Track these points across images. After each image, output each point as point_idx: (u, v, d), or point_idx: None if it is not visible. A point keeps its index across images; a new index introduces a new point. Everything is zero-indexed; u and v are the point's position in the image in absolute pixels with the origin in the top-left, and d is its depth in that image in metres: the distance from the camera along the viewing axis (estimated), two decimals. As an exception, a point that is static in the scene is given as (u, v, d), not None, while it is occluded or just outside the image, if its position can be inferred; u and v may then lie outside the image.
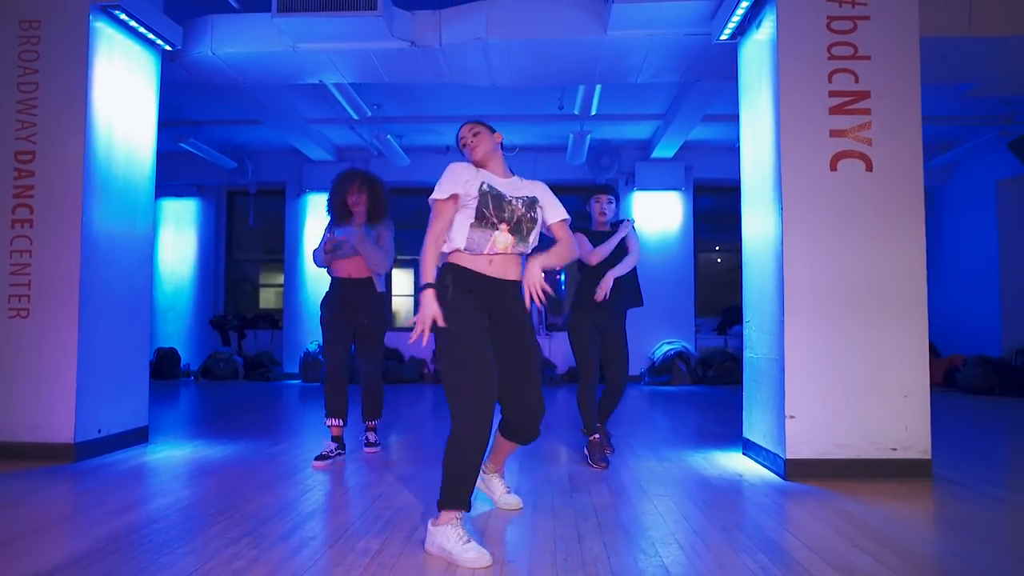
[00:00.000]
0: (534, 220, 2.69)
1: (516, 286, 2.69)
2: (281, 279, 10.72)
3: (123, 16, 4.18)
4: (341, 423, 4.11)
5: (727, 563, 2.32)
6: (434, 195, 2.65)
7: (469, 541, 2.31)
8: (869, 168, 3.69)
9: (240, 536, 2.58)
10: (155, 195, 4.75)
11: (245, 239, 10.87)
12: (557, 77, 5.39)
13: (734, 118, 7.83)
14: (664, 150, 8.94)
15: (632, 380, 9.45)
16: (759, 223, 4.07)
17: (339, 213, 4.27)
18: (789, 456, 3.59)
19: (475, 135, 2.79)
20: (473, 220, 2.60)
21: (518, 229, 2.63)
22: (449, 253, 2.65)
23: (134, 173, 4.49)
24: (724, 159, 9.41)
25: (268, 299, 11.01)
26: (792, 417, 3.61)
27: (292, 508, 3.01)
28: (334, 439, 4.09)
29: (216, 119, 8.07)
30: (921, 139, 3.69)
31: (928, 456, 3.59)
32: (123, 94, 4.37)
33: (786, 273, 3.67)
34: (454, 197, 2.63)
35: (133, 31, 4.38)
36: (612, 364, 4.18)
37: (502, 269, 2.64)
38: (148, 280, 4.66)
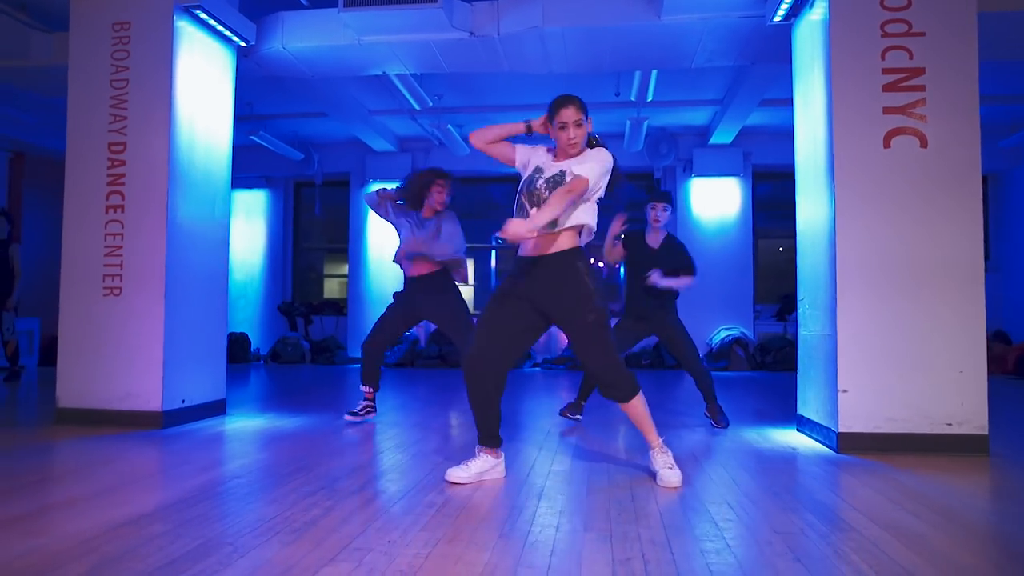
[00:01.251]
0: None
1: (554, 259, 2.85)
2: (344, 269, 11.11)
3: (203, 15, 4.47)
4: (371, 389, 4.65)
5: (774, 520, 2.43)
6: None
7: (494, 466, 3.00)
8: (924, 145, 3.68)
9: (315, 490, 2.81)
10: (229, 175, 5.06)
11: (311, 228, 11.28)
12: (612, 63, 5.49)
13: (791, 103, 7.87)
14: (722, 136, 8.90)
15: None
16: (813, 202, 4.10)
17: (413, 200, 4.54)
18: (841, 430, 3.64)
19: (579, 126, 2.87)
20: (515, 206, 2.92)
21: None
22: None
23: (213, 163, 4.81)
24: (783, 145, 9.21)
25: (332, 289, 11.41)
26: (845, 391, 3.65)
27: (362, 469, 3.23)
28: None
29: (284, 112, 8.43)
30: (978, 115, 3.67)
31: (985, 432, 3.58)
32: (203, 89, 4.68)
33: (839, 249, 3.70)
34: (514, 149, 3.02)
35: (212, 29, 4.68)
36: (681, 359, 4.53)
37: (537, 247, 2.88)
38: (225, 264, 4.98)
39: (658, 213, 4.46)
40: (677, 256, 4.48)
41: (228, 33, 4.75)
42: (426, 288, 4.53)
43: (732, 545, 2.16)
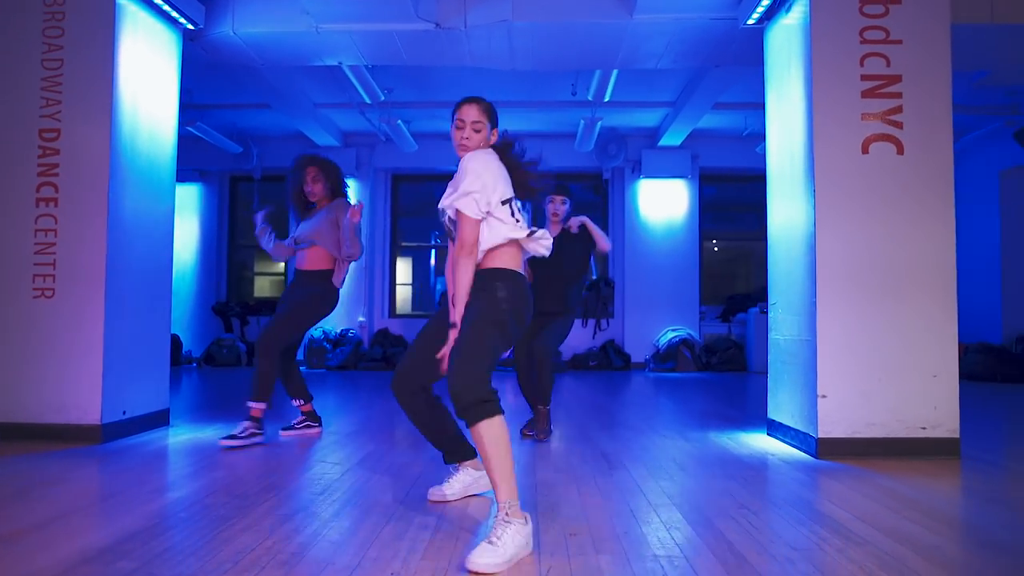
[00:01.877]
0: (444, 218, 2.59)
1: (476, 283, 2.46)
2: (279, 267, 10.67)
3: (148, -7, 4.13)
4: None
5: (787, 535, 2.35)
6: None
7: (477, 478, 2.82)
8: (900, 151, 3.72)
9: (291, 514, 2.58)
10: (174, 165, 4.71)
11: (248, 225, 10.79)
12: (578, 61, 5.39)
13: (745, 106, 7.99)
14: (672, 138, 8.95)
15: (637, 367, 9.53)
16: (787, 206, 4.09)
17: (301, 207, 4.31)
18: (821, 435, 3.63)
19: (476, 131, 2.55)
20: None
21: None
22: None
23: (157, 153, 4.45)
24: (730, 147, 9.44)
25: (263, 287, 10.96)
26: (824, 397, 3.65)
27: (334, 488, 3.00)
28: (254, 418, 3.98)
29: (224, 103, 7.99)
30: (951, 123, 3.74)
31: (957, 435, 3.64)
32: (146, 73, 4.32)
33: (818, 255, 3.69)
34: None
35: (157, 9, 4.33)
36: (542, 351, 4.07)
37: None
38: (170, 261, 4.63)
39: (556, 206, 4.24)
40: (580, 242, 4.22)
41: (175, 14, 4.40)
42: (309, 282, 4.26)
43: (754, 562, 2.06)
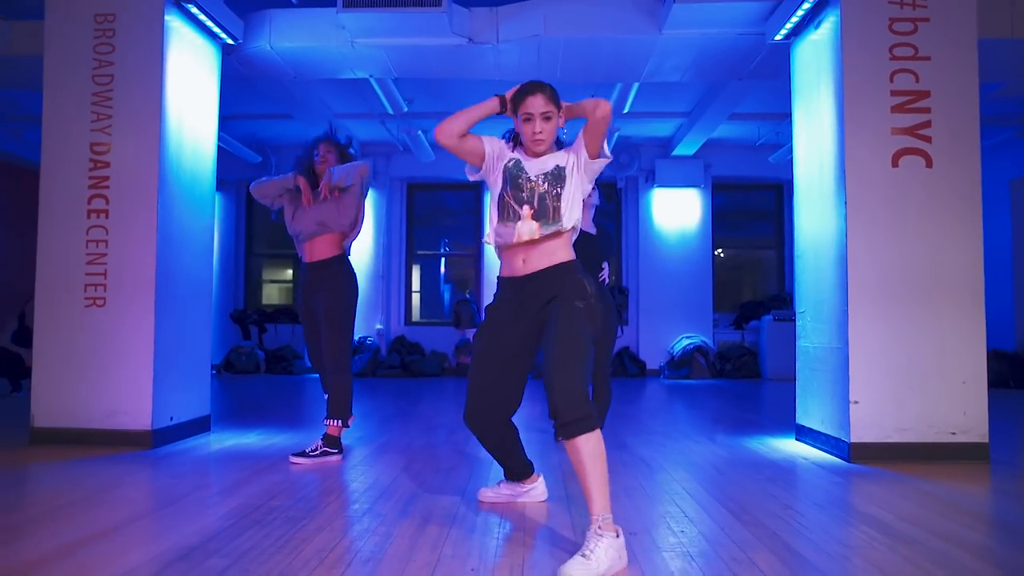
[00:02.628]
0: (558, 196, 2.38)
1: (554, 272, 2.40)
2: (287, 274, 10.78)
3: (194, 9, 4.24)
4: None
5: (838, 534, 2.46)
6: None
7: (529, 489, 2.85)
8: (929, 164, 3.83)
9: (359, 515, 2.68)
10: (214, 177, 4.83)
11: (265, 234, 10.91)
12: (604, 75, 5.51)
13: (760, 116, 8.12)
14: (685, 148, 9.07)
15: (652, 373, 9.63)
16: (817, 218, 4.20)
17: (309, 181, 3.87)
18: (853, 440, 3.73)
19: (546, 119, 2.42)
20: (497, 210, 2.46)
21: (543, 211, 2.38)
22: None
23: (199, 165, 4.58)
24: (743, 157, 9.57)
25: (271, 295, 11.07)
26: (856, 403, 3.75)
27: (392, 489, 3.10)
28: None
29: (246, 113, 8.11)
30: (979, 136, 3.85)
31: (986, 440, 3.74)
32: (191, 87, 4.44)
33: (850, 265, 3.80)
34: (482, 140, 2.53)
35: (200, 24, 4.45)
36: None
37: (535, 263, 2.41)
38: (210, 270, 4.74)
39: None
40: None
41: (216, 29, 4.52)
42: (323, 271, 3.81)
43: (813, 560, 2.17)
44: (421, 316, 10.97)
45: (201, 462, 3.72)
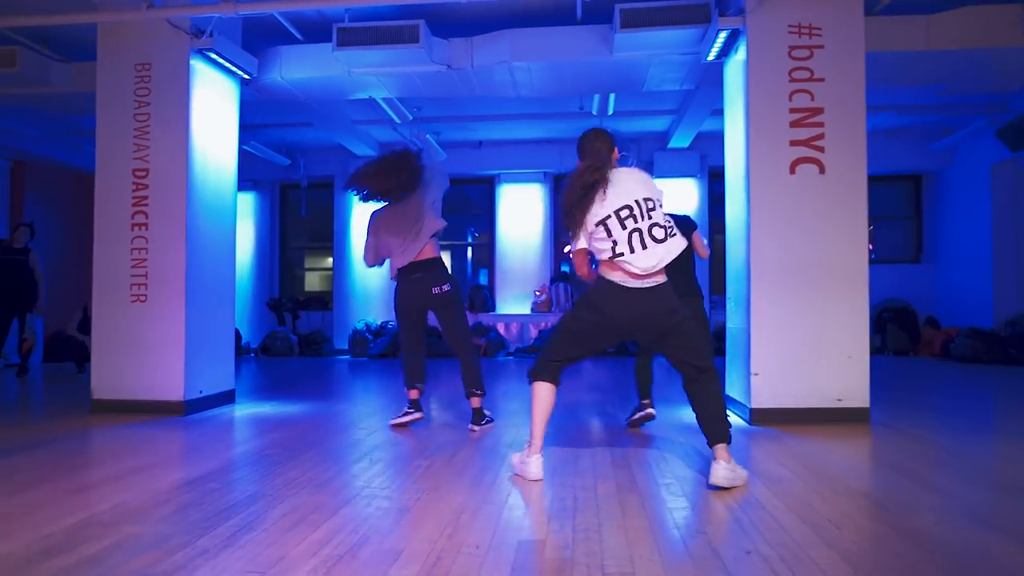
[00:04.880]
0: None
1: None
2: (327, 263, 11.77)
3: (213, 55, 5.14)
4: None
5: (697, 467, 3.23)
6: None
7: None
8: (822, 171, 4.48)
9: (327, 458, 3.56)
10: (235, 191, 5.74)
11: (296, 228, 11.93)
12: (573, 89, 6.23)
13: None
14: (679, 141, 9.68)
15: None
16: (736, 214, 4.89)
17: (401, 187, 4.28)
18: (754, 406, 4.45)
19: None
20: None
21: None
22: None
23: (222, 183, 5.49)
24: (735, 148, 10.11)
25: (312, 282, 12.10)
26: (756, 375, 4.46)
27: (361, 442, 3.98)
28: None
29: (271, 122, 9.06)
30: (865, 146, 4.47)
31: (867, 406, 4.41)
32: (213, 117, 5.35)
33: (752, 257, 4.50)
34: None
35: (221, 66, 5.35)
36: None
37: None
38: (232, 269, 5.67)
39: None
40: None
41: (234, 68, 5.42)
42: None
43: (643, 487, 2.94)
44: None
45: (222, 425, 4.66)
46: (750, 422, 4.45)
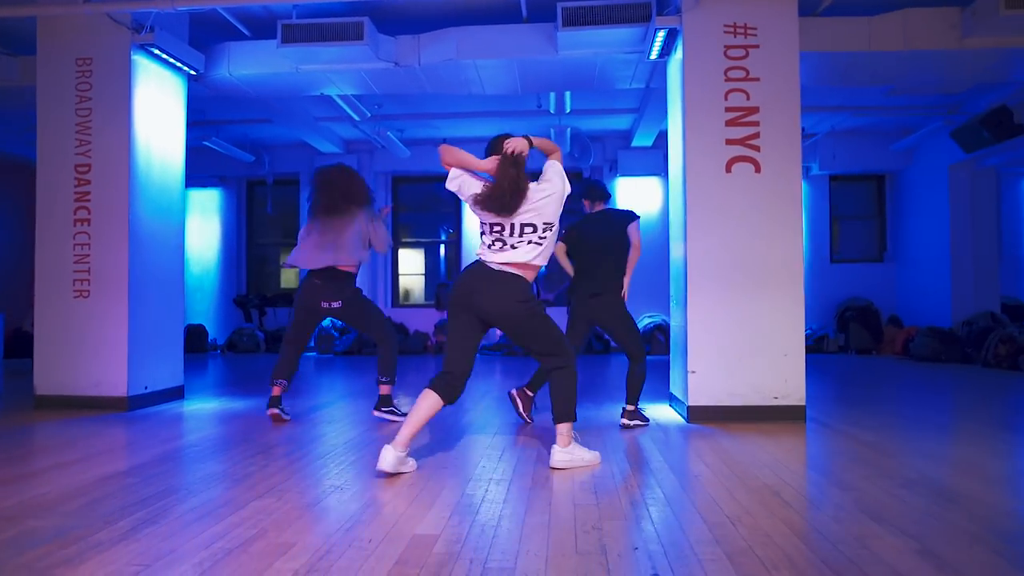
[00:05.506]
0: None
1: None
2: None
3: (156, 51, 5.11)
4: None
5: (619, 466, 3.26)
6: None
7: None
8: (758, 170, 4.53)
9: (255, 454, 3.57)
10: (183, 187, 5.72)
11: (263, 225, 11.88)
12: (524, 87, 6.24)
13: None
14: (642, 139, 9.73)
15: (616, 351, 10.37)
16: (675, 212, 4.94)
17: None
18: (691, 403, 4.50)
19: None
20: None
21: None
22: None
23: (168, 177, 5.47)
24: (699, 147, 10.17)
25: (290, 278, 12.05)
26: (693, 372, 4.51)
27: (296, 439, 3.99)
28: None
29: (234, 119, 9.02)
30: (800, 145, 4.53)
31: (803, 403, 4.47)
32: (157, 113, 5.33)
33: (689, 255, 4.55)
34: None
35: (164, 61, 5.33)
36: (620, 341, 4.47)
37: None
38: (181, 265, 5.65)
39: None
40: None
41: (179, 64, 5.39)
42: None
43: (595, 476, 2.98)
44: (426, 299, 11.82)
45: (162, 421, 4.64)
46: (688, 420, 4.50)
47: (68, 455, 3.56)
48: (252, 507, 2.63)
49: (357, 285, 4.58)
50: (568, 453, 3.30)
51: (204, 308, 11.31)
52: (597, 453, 3.42)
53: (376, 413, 4.65)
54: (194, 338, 10.66)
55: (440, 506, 2.69)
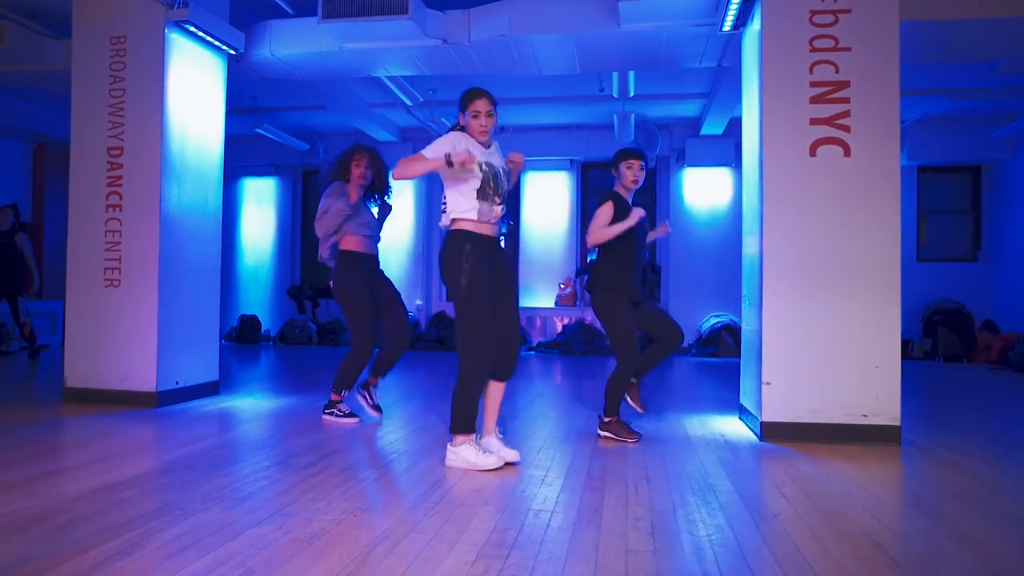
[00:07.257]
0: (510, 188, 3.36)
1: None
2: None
3: (193, 28, 4.84)
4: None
5: (674, 493, 2.78)
6: (427, 152, 3.12)
7: (485, 452, 3.19)
8: (847, 154, 3.93)
9: (271, 465, 3.22)
10: (237, 175, 5.47)
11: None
12: (581, 66, 5.75)
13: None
14: (712, 127, 9.10)
15: (681, 351, 9.77)
16: (750, 204, 4.38)
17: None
18: (764, 419, 3.95)
19: (489, 116, 3.20)
20: (478, 194, 3.16)
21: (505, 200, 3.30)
22: (455, 220, 3.19)
23: (204, 163, 5.20)
24: (774, 135, 9.46)
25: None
26: (768, 384, 3.96)
27: (320, 447, 3.63)
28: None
29: (287, 105, 8.81)
30: (899, 125, 3.91)
31: (897, 423, 3.86)
32: (194, 94, 5.07)
33: (765, 252, 3.99)
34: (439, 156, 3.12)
35: (202, 39, 5.05)
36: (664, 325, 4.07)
37: (494, 229, 3.27)
38: (217, 255, 5.38)
39: (636, 172, 3.91)
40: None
41: (217, 43, 5.11)
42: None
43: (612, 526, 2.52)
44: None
45: (187, 420, 4.37)
46: (761, 437, 3.95)
47: (72, 459, 3.30)
48: (246, 537, 2.26)
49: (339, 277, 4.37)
50: (454, 453, 3.20)
51: (258, 299, 11.21)
52: (493, 458, 3.17)
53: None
54: (247, 329, 10.57)
55: (465, 545, 2.26)
